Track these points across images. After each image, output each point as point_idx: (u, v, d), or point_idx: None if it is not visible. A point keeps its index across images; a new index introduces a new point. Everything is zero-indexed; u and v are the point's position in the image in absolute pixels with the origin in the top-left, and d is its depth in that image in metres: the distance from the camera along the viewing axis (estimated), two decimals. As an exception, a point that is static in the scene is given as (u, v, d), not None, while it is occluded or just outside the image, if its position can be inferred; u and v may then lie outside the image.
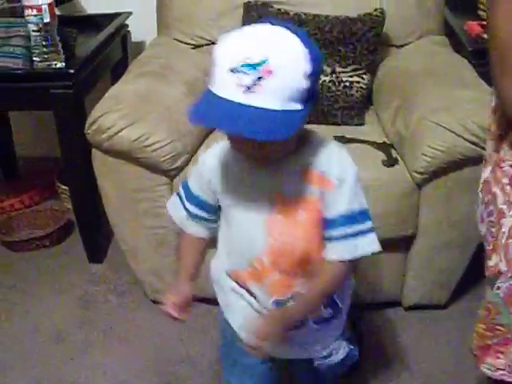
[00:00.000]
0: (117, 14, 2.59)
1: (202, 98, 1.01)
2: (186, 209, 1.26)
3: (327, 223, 1.14)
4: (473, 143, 1.73)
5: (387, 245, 1.94)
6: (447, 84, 1.96)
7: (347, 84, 2.17)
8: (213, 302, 2.12)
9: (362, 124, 2.19)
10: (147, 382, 1.90)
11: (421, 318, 2.10)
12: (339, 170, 1.11)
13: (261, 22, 1.01)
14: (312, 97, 1.02)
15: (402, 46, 2.39)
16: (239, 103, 0.95)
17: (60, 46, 2.05)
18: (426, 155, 1.76)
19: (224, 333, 1.40)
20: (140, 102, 1.88)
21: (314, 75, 1.00)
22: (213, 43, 2.39)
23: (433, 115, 1.80)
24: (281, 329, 1.16)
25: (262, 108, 0.95)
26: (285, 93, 0.97)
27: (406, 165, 1.85)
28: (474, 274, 2.05)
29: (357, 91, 2.17)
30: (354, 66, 2.18)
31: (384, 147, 1.93)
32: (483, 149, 1.72)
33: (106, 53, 2.40)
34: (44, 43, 2.03)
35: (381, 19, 2.22)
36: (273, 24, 1.00)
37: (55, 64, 2.06)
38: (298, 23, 2.17)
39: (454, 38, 2.36)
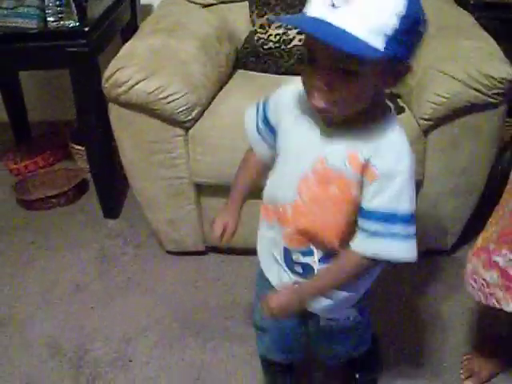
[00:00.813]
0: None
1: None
2: (257, 123, 1.28)
3: (362, 213, 1.12)
4: (477, 90, 1.79)
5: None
6: (452, 35, 2.01)
7: (354, 39, 2.22)
8: (225, 251, 2.22)
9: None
10: (167, 327, 1.97)
11: (426, 264, 2.16)
12: (389, 166, 1.07)
13: None
14: (400, 47, 0.97)
15: (406, 1, 2.42)
16: (322, 19, 0.94)
17: (74, 5, 2.10)
18: (432, 102, 1.81)
19: (258, 269, 1.43)
20: (154, 56, 1.92)
21: (407, 23, 0.94)
22: (222, 2, 2.44)
23: (438, 64, 1.86)
24: (292, 304, 1.21)
25: (342, 29, 0.92)
26: (369, 21, 0.92)
27: (412, 113, 1.91)
28: (478, 220, 2.14)
29: (363, 45, 2.22)
30: (359, 22, 2.22)
31: (391, 97, 1.98)
32: (487, 96, 1.80)
33: (116, 14, 2.45)
34: (58, 3, 2.08)
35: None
36: None
37: (69, 23, 2.11)
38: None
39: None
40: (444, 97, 1.80)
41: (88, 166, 2.54)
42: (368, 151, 1.07)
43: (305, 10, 0.99)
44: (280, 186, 1.22)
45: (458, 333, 1.91)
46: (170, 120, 1.89)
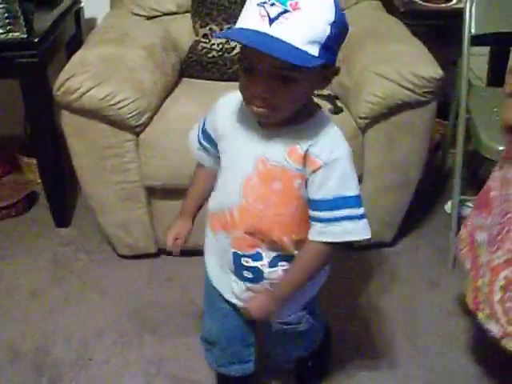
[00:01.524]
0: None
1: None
2: (200, 139, 1.35)
3: (313, 204, 1.17)
4: (409, 89, 1.93)
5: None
6: (385, 40, 2.15)
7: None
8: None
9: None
10: (125, 327, 2.02)
11: (370, 256, 2.30)
12: (329, 154, 1.12)
13: None
14: (331, 53, 1.05)
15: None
16: (261, 32, 0.99)
17: (22, 17, 2.14)
18: (368, 101, 1.95)
19: (206, 279, 1.48)
20: (104, 64, 1.98)
21: (336, 28, 1.02)
22: (165, 14, 2.53)
23: (373, 66, 2.00)
24: (270, 307, 1.26)
25: (281, 40, 0.98)
26: (306, 32, 0.99)
27: (350, 112, 2.04)
28: (414, 212, 2.28)
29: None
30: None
31: (329, 98, 2.11)
32: (418, 94, 1.95)
33: (62, 26, 2.48)
34: (6, 15, 2.12)
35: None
36: None
37: (18, 35, 2.15)
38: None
39: (388, 2, 2.58)
40: (379, 96, 1.94)
41: (37, 178, 2.58)
42: (306, 143, 1.14)
43: (240, 24, 1.04)
44: (225, 191, 1.27)
45: (400, 324, 2.02)
46: (121, 125, 1.96)
